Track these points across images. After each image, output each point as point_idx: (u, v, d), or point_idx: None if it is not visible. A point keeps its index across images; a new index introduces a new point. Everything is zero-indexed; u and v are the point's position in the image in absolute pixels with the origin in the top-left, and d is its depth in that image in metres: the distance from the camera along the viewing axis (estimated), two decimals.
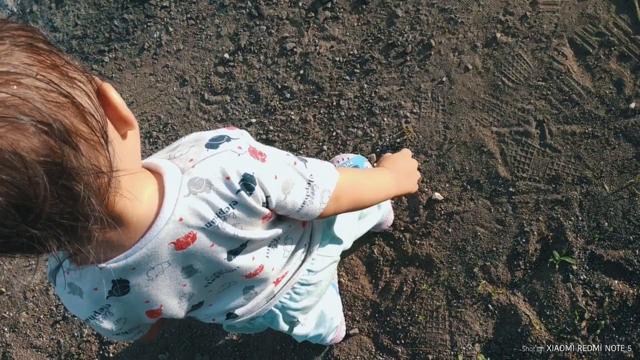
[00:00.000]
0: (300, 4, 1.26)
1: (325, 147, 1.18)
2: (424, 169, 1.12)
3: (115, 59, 1.36)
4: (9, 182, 0.30)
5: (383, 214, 0.99)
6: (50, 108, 0.32)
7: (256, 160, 0.48)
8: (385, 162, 0.75)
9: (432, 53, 1.16)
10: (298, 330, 0.72)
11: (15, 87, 0.30)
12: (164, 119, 1.31)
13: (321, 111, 1.21)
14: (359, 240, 1.12)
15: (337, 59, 1.22)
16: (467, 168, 1.10)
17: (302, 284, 0.63)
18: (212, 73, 1.29)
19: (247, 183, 0.47)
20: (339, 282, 1.12)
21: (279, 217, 0.55)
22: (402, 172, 0.71)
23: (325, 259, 0.66)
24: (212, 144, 0.47)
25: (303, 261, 0.62)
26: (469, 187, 1.10)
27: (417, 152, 1.13)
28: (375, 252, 1.12)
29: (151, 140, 1.30)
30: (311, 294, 0.66)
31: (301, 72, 1.23)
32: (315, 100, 1.22)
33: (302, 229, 0.61)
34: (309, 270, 0.63)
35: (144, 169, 0.46)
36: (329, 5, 1.24)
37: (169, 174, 0.45)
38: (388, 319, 1.09)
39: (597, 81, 1.07)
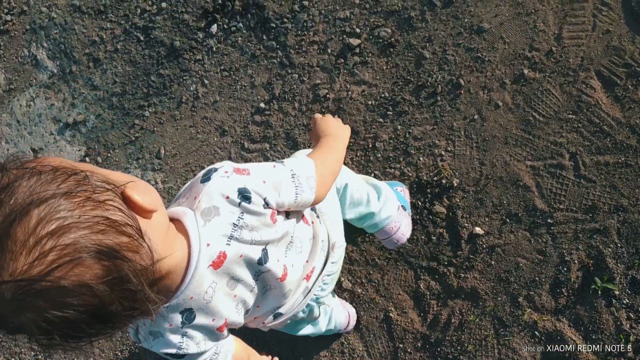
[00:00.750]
0: (329, 50, 1.31)
1: None
2: (463, 205, 1.18)
3: (155, 113, 1.44)
4: (86, 304, 0.41)
5: (382, 213, 1.02)
6: (98, 238, 0.41)
7: (242, 175, 0.59)
8: (320, 132, 0.84)
9: (462, 92, 1.21)
10: (325, 311, 0.86)
11: (69, 234, 0.40)
12: None
13: (358, 154, 1.26)
14: (404, 278, 1.18)
15: (370, 102, 1.27)
16: (505, 202, 1.15)
17: (327, 275, 0.76)
18: (250, 122, 1.35)
19: (244, 195, 0.57)
20: (389, 317, 1.18)
21: (286, 217, 0.65)
22: (335, 130, 0.83)
23: (340, 249, 0.78)
24: (205, 178, 0.58)
25: (327, 257, 0.73)
26: (508, 220, 1.15)
27: (456, 189, 1.18)
28: (422, 287, 1.17)
29: None
30: (333, 281, 0.80)
31: (335, 117, 1.29)
32: (351, 144, 1.27)
33: (307, 225, 0.70)
34: (332, 263, 0.76)
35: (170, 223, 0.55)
36: (357, 50, 1.29)
37: (185, 216, 0.55)
38: (438, 349, 1.15)
39: (626, 111, 1.11)
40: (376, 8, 1.29)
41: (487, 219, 1.16)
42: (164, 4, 1.44)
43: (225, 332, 0.62)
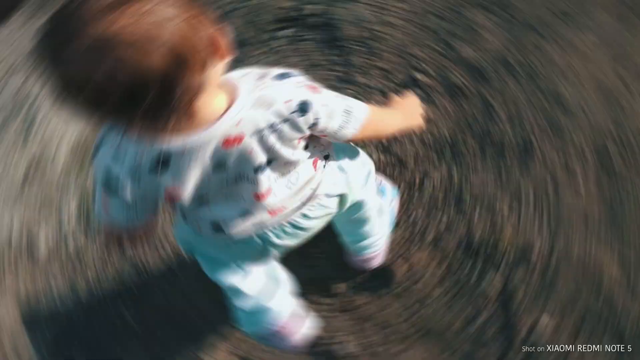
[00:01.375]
0: (392, 78, 1.21)
1: (400, 231, 0.99)
2: (526, 284, 0.90)
3: None
4: (139, 83, 0.45)
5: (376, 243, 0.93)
6: (179, 42, 0.46)
7: (311, 91, 0.60)
8: (394, 104, 0.87)
9: (534, 153, 1.05)
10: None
11: (164, 26, 0.45)
12: None
13: (400, 186, 1.05)
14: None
15: (426, 138, 1.11)
16: (582, 291, 0.88)
17: (293, 225, 0.69)
18: None
19: (303, 107, 0.58)
20: None
21: (305, 147, 0.65)
22: (409, 111, 0.86)
23: (323, 209, 0.71)
24: (279, 77, 0.59)
25: (303, 205, 0.68)
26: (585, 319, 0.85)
27: (519, 260, 0.92)
28: None
29: None
30: (296, 237, 0.72)
31: (385, 143, 1.12)
32: (395, 175, 1.07)
33: (313, 170, 0.68)
34: (304, 215, 0.69)
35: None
36: (421, 85, 1.19)
37: (243, 89, 0.57)
38: None
39: None
40: (450, 54, 1.23)
41: (555, 307, 0.86)
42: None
43: (163, 201, 0.62)
